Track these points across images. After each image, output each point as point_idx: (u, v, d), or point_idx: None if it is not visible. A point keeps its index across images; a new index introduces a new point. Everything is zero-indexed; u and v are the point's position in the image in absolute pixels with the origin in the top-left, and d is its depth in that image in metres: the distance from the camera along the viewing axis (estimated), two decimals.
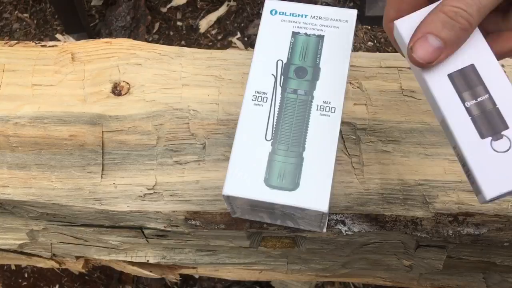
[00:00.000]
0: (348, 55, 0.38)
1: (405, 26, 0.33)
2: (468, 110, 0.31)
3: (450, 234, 0.44)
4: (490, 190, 0.30)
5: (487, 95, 0.31)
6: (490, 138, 0.31)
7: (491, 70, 0.32)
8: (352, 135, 0.46)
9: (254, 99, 0.37)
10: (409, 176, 0.44)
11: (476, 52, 0.32)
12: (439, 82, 0.32)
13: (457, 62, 0.32)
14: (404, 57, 0.35)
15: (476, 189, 0.31)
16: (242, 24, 1.27)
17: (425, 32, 0.31)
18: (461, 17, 0.30)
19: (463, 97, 0.31)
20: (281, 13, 0.39)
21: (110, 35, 1.21)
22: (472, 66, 0.32)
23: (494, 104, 0.31)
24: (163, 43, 1.22)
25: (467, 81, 0.32)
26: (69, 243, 0.55)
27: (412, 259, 0.52)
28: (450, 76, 0.32)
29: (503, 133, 0.30)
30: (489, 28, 0.34)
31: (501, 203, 0.43)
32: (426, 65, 0.32)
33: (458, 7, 0.30)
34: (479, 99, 0.31)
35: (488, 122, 0.31)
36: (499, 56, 0.33)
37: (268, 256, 0.55)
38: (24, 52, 0.51)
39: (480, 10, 0.30)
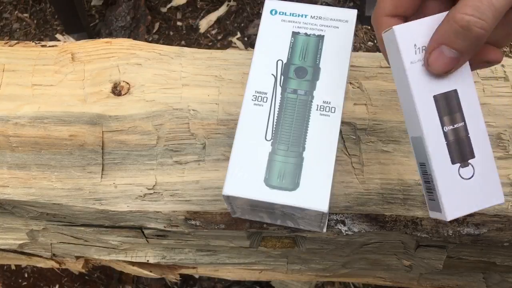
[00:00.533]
0: (348, 55, 0.38)
1: (403, 35, 0.32)
2: (445, 134, 0.32)
3: (450, 234, 0.44)
4: (451, 213, 0.32)
5: (463, 123, 0.32)
6: (458, 164, 0.32)
7: (470, 98, 0.32)
8: (352, 135, 0.46)
9: (254, 99, 0.37)
10: (409, 176, 0.44)
11: (461, 77, 0.32)
12: (425, 101, 0.32)
13: (443, 84, 0.32)
14: (387, 61, 0.34)
15: (434, 207, 0.33)
16: (242, 24, 1.27)
17: (439, 43, 0.31)
18: (475, 25, 0.29)
19: (443, 121, 0.32)
20: (281, 13, 0.39)
21: (110, 35, 1.21)
22: (455, 91, 0.32)
23: (467, 132, 0.32)
24: (163, 43, 1.22)
25: (449, 106, 0.32)
26: (69, 243, 0.55)
27: (412, 259, 0.52)
28: (435, 98, 0.32)
29: (469, 161, 0.32)
30: None
31: None
32: (443, 75, 0.32)
33: (471, 15, 0.29)
34: (455, 126, 0.32)
35: (460, 149, 0.32)
36: (472, 67, 0.33)
37: (268, 256, 0.55)
38: (24, 52, 0.51)
39: (495, 15, 0.29)
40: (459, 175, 0.32)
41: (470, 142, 0.32)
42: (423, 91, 0.32)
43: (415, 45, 0.32)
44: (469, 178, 0.32)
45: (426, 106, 0.32)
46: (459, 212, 0.32)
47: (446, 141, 0.32)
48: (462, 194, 0.32)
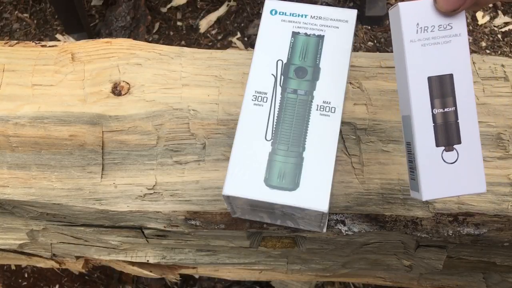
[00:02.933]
0: (348, 55, 0.38)
1: (407, 13, 0.33)
2: (434, 117, 0.33)
3: (450, 234, 0.44)
4: (427, 193, 0.33)
5: (454, 108, 0.33)
6: (443, 148, 0.33)
7: (465, 85, 0.33)
8: (352, 135, 0.46)
9: (254, 99, 0.37)
10: None
11: (459, 62, 0.33)
12: (418, 81, 0.33)
13: (440, 67, 0.33)
14: (392, 44, 0.35)
15: (414, 186, 0.34)
16: (242, 24, 1.27)
17: None
18: None
19: (434, 103, 0.33)
20: (281, 13, 0.39)
21: (110, 35, 1.21)
22: (451, 76, 0.33)
23: (456, 118, 0.33)
24: (163, 43, 1.22)
25: (442, 89, 0.33)
26: (69, 243, 0.55)
27: (412, 259, 0.52)
28: (429, 79, 0.33)
29: (455, 146, 0.33)
30: None
31: (501, 203, 0.43)
32: (452, 13, 0.32)
33: None
34: (446, 110, 0.33)
35: (446, 134, 0.33)
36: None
37: (268, 256, 0.55)
38: (24, 52, 0.51)
39: None
40: (442, 158, 0.33)
41: (458, 127, 0.33)
42: (418, 71, 0.33)
43: (417, 24, 0.33)
44: (452, 163, 0.33)
45: (419, 86, 0.33)
46: (436, 194, 0.33)
47: (433, 123, 0.33)
48: (442, 177, 0.33)
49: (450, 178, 0.33)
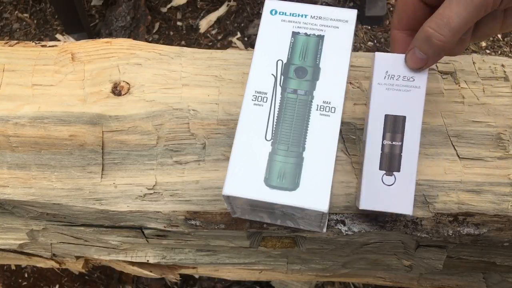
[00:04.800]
0: (348, 55, 0.38)
1: (381, 61, 0.40)
2: (382, 146, 0.40)
3: (450, 234, 0.44)
4: (364, 204, 0.39)
5: (400, 143, 0.39)
6: (384, 172, 0.39)
7: (414, 127, 0.39)
8: (352, 135, 0.46)
9: (254, 99, 0.37)
10: None
11: (414, 108, 0.39)
12: (377, 115, 0.40)
13: (397, 108, 0.40)
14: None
15: (357, 196, 0.41)
16: (242, 24, 1.27)
17: (414, 46, 0.38)
18: (434, 38, 0.36)
19: (385, 135, 0.40)
20: (281, 13, 0.39)
21: (110, 35, 1.21)
22: (404, 118, 0.39)
23: (400, 151, 0.39)
24: (163, 43, 1.22)
25: (394, 126, 0.40)
26: (69, 243, 0.55)
27: (412, 259, 0.52)
28: (386, 116, 0.40)
29: (394, 172, 0.39)
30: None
31: (501, 203, 0.43)
32: (419, 70, 0.40)
33: (433, 29, 0.36)
34: (393, 143, 0.39)
35: (389, 162, 0.39)
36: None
37: (268, 256, 0.55)
38: (24, 52, 0.51)
39: (452, 32, 0.35)
40: (382, 180, 0.39)
41: (400, 159, 0.39)
42: (379, 107, 0.40)
43: (387, 71, 0.40)
44: (389, 185, 0.39)
45: (377, 119, 0.40)
46: (371, 205, 0.39)
47: (381, 151, 0.39)
48: (378, 194, 0.39)
49: (384, 197, 0.39)
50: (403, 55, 0.40)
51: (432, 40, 0.36)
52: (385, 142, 0.39)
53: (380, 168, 0.39)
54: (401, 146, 0.39)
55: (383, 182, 0.39)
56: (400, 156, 0.39)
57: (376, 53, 0.40)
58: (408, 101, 0.39)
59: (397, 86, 0.40)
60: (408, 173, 0.39)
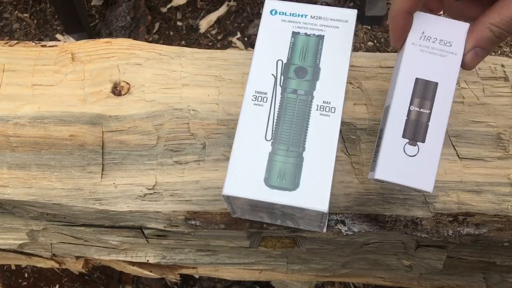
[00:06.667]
0: (348, 55, 0.38)
1: (419, 20, 0.37)
2: (409, 112, 0.36)
3: (450, 234, 0.44)
4: (380, 173, 0.35)
5: (429, 111, 0.36)
6: (407, 140, 0.36)
7: (446, 96, 0.36)
8: (352, 135, 0.46)
9: (254, 99, 0.37)
10: None
11: (447, 76, 0.36)
12: (407, 78, 0.36)
13: (430, 73, 0.36)
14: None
15: (372, 167, 0.37)
16: (242, 24, 1.27)
17: (475, 46, 0.36)
18: (505, 36, 0.35)
19: (413, 100, 0.36)
20: (281, 13, 0.39)
21: (110, 35, 1.21)
22: (436, 84, 0.36)
23: (428, 120, 0.36)
24: (163, 43, 1.22)
25: (424, 92, 0.36)
26: (69, 243, 0.55)
27: (412, 259, 0.52)
28: (417, 80, 0.36)
29: (418, 142, 0.36)
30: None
31: (501, 203, 0.43)
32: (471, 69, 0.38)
33: (503, 30, 0.34)
34: (421, 110, 0.36)
35: (414, 130, 0.36)
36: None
37: (268, 256, 0.55)
38: (24, 52, 0.51)
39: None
40: (403, 149, 0.36)
41: (427, 128, 0.36)
42: (410, 70, 0.36)
43: (423, 32, 0.37)
44: (411, 156, 0.36)
45: (406, 82, 0.36)
46: (387, 176, 0.35)
47: (407, 117, 0.36)
48: (398, 165, 0.36)
49: (404, 168, 0.35)
50: (444, 18, 0.37)
51: (501, 37, 0.35)
52: (412, 108, 0.36)
53: (404, 136, 0.36)
54: (429, 114, 0.36)
55: (405, 152, 0.36)
56: (427, 125, 0.36)
57: (417, 13, 0.37)
58: (443, 67, 0.36)
59: (433, 49, 0.37)
60: (433, 146, 0.36)
